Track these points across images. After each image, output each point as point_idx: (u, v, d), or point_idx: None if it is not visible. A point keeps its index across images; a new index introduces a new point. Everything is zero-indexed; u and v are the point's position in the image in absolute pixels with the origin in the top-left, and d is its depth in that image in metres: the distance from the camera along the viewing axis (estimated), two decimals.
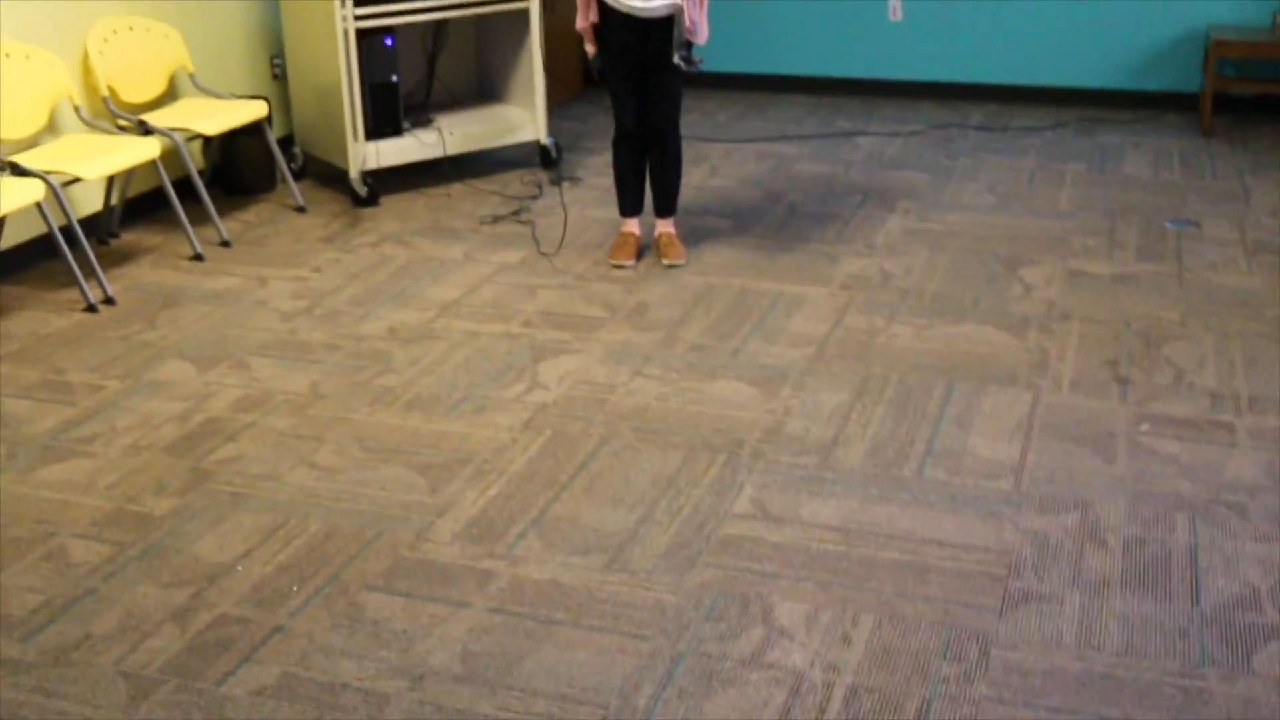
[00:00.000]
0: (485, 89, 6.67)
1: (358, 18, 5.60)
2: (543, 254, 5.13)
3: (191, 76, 5.78)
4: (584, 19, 4.71)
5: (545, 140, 6.22)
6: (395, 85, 5.90)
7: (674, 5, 4.55)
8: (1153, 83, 7.23)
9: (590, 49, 4.81)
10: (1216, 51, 6.63)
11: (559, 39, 6.91)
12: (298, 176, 6.15)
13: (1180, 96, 7.16)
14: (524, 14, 6.03)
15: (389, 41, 5.81)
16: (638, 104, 4.79)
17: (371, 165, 5.81)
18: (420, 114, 6.23)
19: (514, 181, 6.11)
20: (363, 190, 5.78)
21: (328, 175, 6.10)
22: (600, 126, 6.94)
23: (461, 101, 6.56)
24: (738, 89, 7.72)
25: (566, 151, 6.46)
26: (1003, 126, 6.97)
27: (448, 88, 6.53)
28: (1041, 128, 6.92)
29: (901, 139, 6.76)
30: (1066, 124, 6.98)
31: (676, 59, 4.54)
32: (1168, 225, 5.36)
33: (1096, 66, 7.29)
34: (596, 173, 6.16)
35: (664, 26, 4.59)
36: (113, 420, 3.91)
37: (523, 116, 6.26)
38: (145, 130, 5.33)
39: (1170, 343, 4.24)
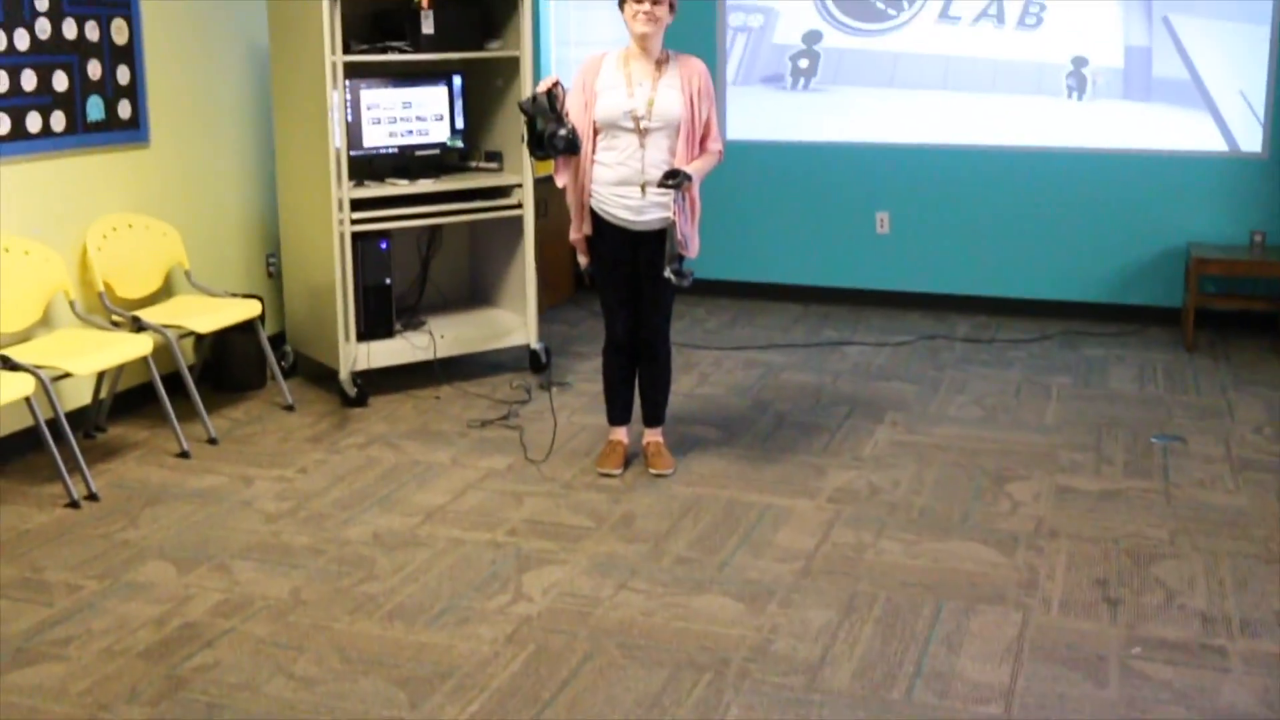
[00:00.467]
0: (477, 292, 6.75)
1: (354, 221, 5.68)
2: (530, 460, 5.11)
3: (187, 273, 5.85)
4: (577, 230, 4.79)
5: (535, 345, 6.27)
6: (389, 288, 5.96)
7: (666, 219, 4.63)
8: (1135, 297, 7.35)
9: (583, 260, 4.88)
10: (1197, 269, 6.76)
11: (551, 242, 7.04)
12: (288, 374, 6.17)
13: (1162, 311, 7.26)
14: (517, 220, 6.14)
15: (384, 245, 5.89)
16: (628, 315, 4.84)
17: (362, 366, 5.84)
18: (412, 316, 6.29)
19: (503, 385, 6.13)
20: (352, 391, 5.79)
21: (318, 374, 6.13)
22: (590, 331, 7.01)
23: (454, 304, 6.63)
24: (727, 296, 7.84)
25: (556, 356, 6.51)
26: (989, 338, 7.04)
27: (440, 290, 6.61)
28: (1027, 340, 6.99)
29: (889, 349, 6.83)
30: (1051, 336, 7.06)
31: (668, 273, 4.59)
32: (1153, 440, 5.38)
33: (1080, 281, 7.42)
34: (586, 378, 6.19)
35: (656, 239, 4.66)
36: (89, 622, 3.84)
37: (513, 321, 6.32)
38: (139, 326, 5.36)
39: (1160, 562, 4.21)
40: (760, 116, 7.74)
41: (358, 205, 5.71)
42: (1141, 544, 4.35)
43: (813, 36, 7.57)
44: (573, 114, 4.62)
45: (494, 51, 6.10)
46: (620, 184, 4.65)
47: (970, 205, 7.54)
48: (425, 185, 5.92)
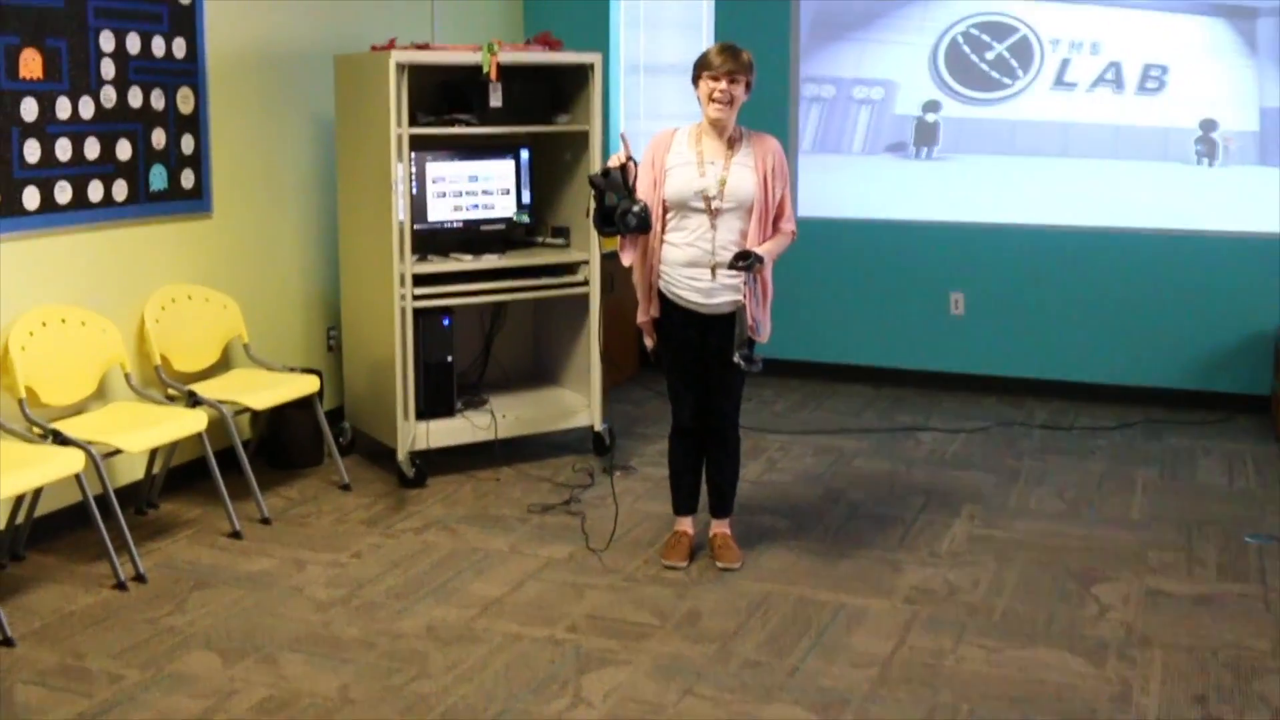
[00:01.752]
0: (541, 370, 6.59)
1: (416, 297, 5.54)
2: (592, 550, 4.91)
3: (245, 346, 5.73)
4: (644, 313, 4.62)
5: (599, 427, 6.08)
6: (450, 365, 5.81)
7: (736, 302, 4.45)
8: (1220, 384, 7.06)
9: (650, 342, 4.70)
10: None
11: (616, 319, 6.85)
12: (345, 451, 6.02)
13: (1250, 399, 6.97)
14: (583, 298, 5.97)
15: (446, 322, 5.75)
16: (696, 400, 4.65)
17: (421, 446, 5.67)
18: (474, 394, 6.13)
19: (565, 468, 5.95)
20: (410, 471, 5.62)
21: (376, 451, 5.97)
22: (655, 412, 6.82)
23: (516, 382, 6.47)
24: (796, 377, 7.62)
25: (620, 437, 6.32)
26: (1068, 425, 6.78)
27: (502, 368, 6.45)
28: (1108, 428, 6.72)
29: (964, 436, 6.58)
30: (1133, 425, 6.79)
31: (737, 358, 4.40)
32: (1247, 540, 5.09)
33: (1162, 367, 7.16)
34: (650, 462, 5.99)
35: (725, 323, 4.48)
36: (128, 716, 3.66)
37: (577, 401, 6.15)
38: (194, 401, 5.23)
39: (1262, 677, 3.93)
40: (887, 184, 7.58)
41: (420, 280, 5.57)
42: (1242, 656, 4.07)
43: (931, 106, 7.39)
44: (640, 191, 4.46)
45: (563, 125, 5.97)
46: (690, 265, 4.48)
47: (1046, 286, 7.31)
48: (490, 261, 5.77)
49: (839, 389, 7.51)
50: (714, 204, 4.45)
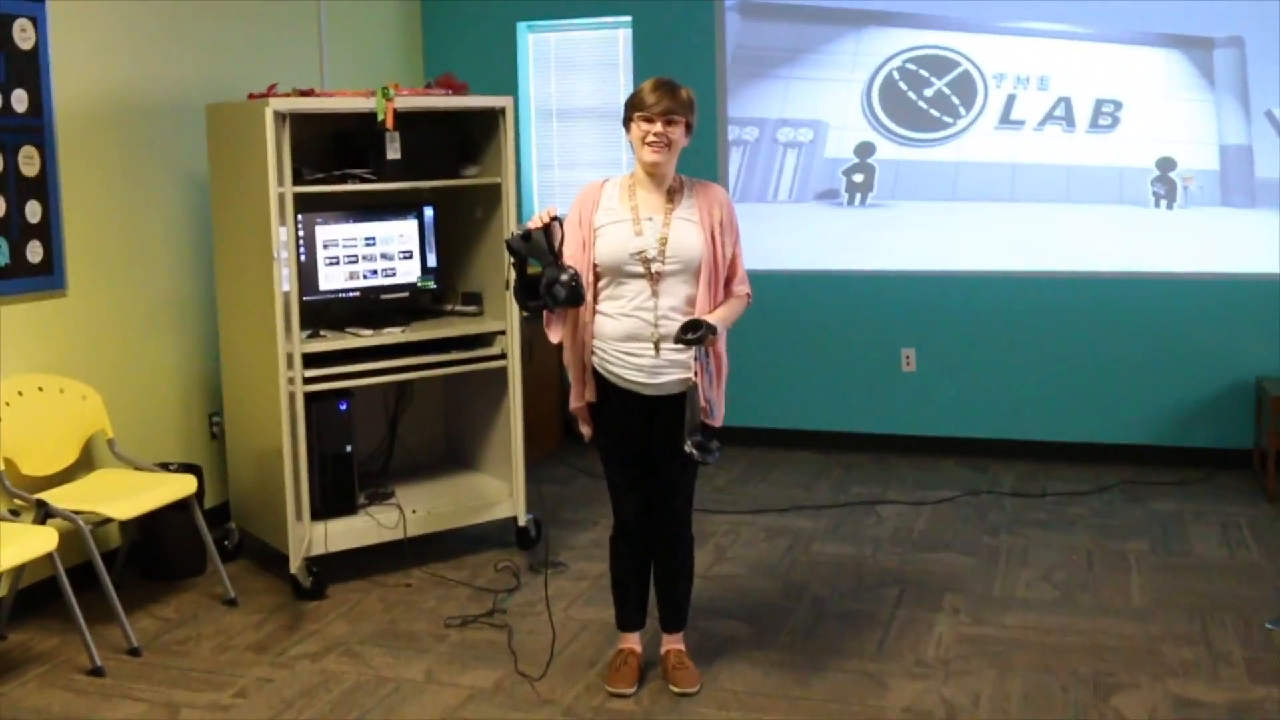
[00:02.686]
0: (454, 454, 5.84)
1: (307, 380, 4.78)
2: (523, 675, 4.17)
3: (110, 442, 4.93)
4: (578, 398, 3.91)
5: (524, 519, 5.34)
6: (349, 456, 5.05)
7: (687, 380, 3.75)
8: (1198, 439, 6.51)
9: (585, 431, 3.99)
10: (1277, 407, 5.90)
11: (534, 387, 6.14)
12: (232, 556, 5.23)
13: (1231, 454, 6.43)
14: (500, 373, 5.24)
15: (343, 406, 4.99)
16: (641, 497, 3.94)
17: (318, 551, 4.89)
18: (378, 485, 5.37)
19: (486, 567, 5.19)
20: (306, 581, 4.84)
21: (268, 555, 5.17)
22: (585, 493, 6.09)
23: (426, 469, 5.71)
24: (737, 445, 6.89)
25: (548, 525, 5.56)
26: (1040, 491, 6.16)
27: (410, 453, 5.70)
28: (1083, 492, 6.12)
29: (929, 509, 5.93)
30: (1110, 488, 6.19)
31: (688, 447, 3.69)
32: (1269, 627, 4.47)
33: (1133, 421, 6.60)
34: (585, 555, 5.27)
35: (673, 406, 3.77)
36: None
37: (497, 489, 5.41)
38: (45, 514, 4.42)
39: None
40: (817, 235, 6.92)
41: (312, 360, 4.81)
42: None
43: (865, 149, 6.76)
44: (568, 255, 3.76)
45: (471, 178, 5.26)
46: (628, 339, 3.78)
47: (1002, 338, 6.72)
48: (392, 335, 5.03)
49: (784, 457, 6.84)
50: (654, 267, 3.76)
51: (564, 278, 3.63)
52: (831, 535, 5.60)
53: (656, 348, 3.78)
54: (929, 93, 6.72)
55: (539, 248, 3.63)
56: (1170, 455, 6.54)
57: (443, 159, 5.17)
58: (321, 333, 4.99)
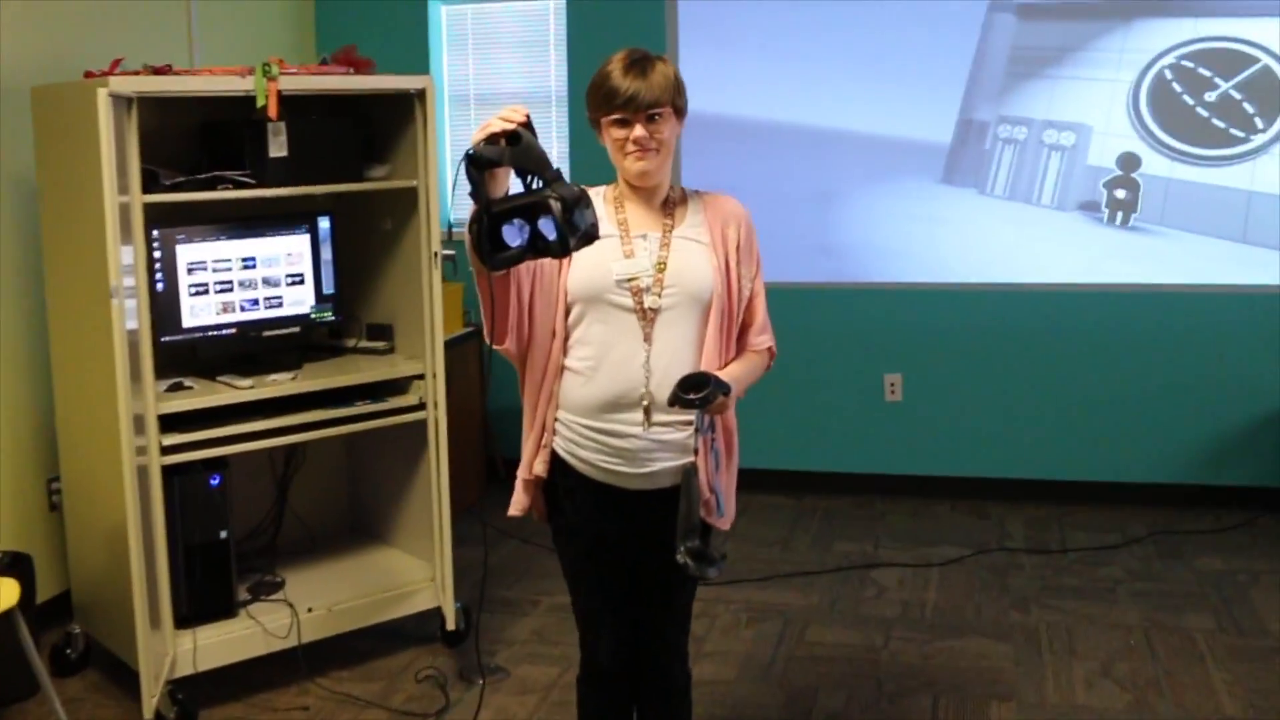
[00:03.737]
0: (361, 525, 4.73)
1: (166, 449, 3.64)
2: None
3: None
4: (526, 468, 2.81)
5: (451, 609, 4.23)
6: (225, 543, 3.90)
7: (686, 465, 2.67)
8: (1233, 476, 5.60)
9: (529, 508, 2.89)
10: None
11: (451, 421, 5.03)
12: (77, 666, 4.07)
13: (1270, 494, 5.51)
14: (418, 426, 4.13)
15: (215, 481, 3.84)
16: (620, 629, 2.85)
17: (185, 671, 3.74)
18: (264, 571, 4.25)
19: (405, 676, 4.09)
20: (170, 712, 3.69)
21: (124, 666, 3.99)
22: (518, 559, 5.00)
23: (326, 544, 4.59)
24: None
25: (476, 608, 4.45)
26: (1060, 545, 5.22)
27: (306, 525, 4.57)
28: (1111, 546, 5.19)
29: (936, 574, 4.94)
30: (1141, 540, 5.25)
31: (681, 556, 2.61)
32: None
33: (1159, 458, 5.68)
34: (528, 654, 4.21)
35: (667, 504, 2.69)
36: None
37: (415, 571, 4.31)
38: None
39: None
40: (1076, 252, 5.74)
41: (172, 422, 3.67)
42: None
43: (1129, 161, 5.60)
44: (526, 281, 2.68)
45: (379, 181, 4.12)
46: (607, 409, 2.72)
47: (1001, 360, 5.73)
48: (279, 384, 3.90)
49: (752, 502, 5.77)
50: (648, 300, 2.69)
51: (574, 201, 2.33)
52: (828, 615, 4.57)
53: (647, 416, 2.70)
54: (1212, 97, 5.50)
55: (530, 154, 2.37)
56: (1201, 495, 5.64)
57: (342, 157, 4.04)
58: (186, 383, 3.85)
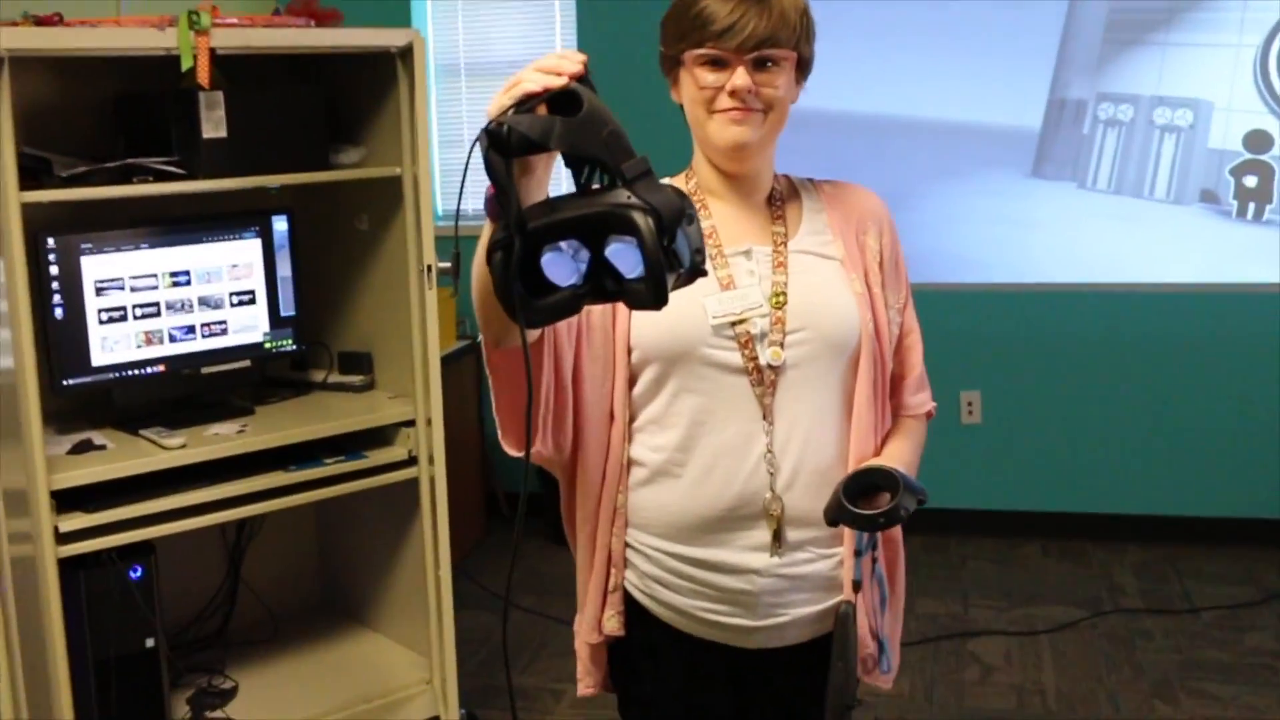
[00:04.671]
0: (334, 601, 3.76)
1: (65, 536, 2.67)
2: None
3: None
4: (593, 628, 1.89)
5: (454, 716, 3.26)
6: (153, 654, 2.93)
7: (841, 606, 1.71)
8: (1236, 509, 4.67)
9: (587, 685, 1.94)
10: None
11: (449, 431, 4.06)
12: None
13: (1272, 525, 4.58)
14: (408, 486, 3.17)
15: (136, 573, 2.86)
16: None
17: None
18: (210, 668, 3.30)
19: None
20: None
21: None
22: (527, 624, 4.04)
23: (290, 629, 3.61)
24: None
25: (490, 699, 3.50)
26: (1187, 603, 4.33)
27: (264, 601, 3.58)
28: (1250, 604, 4.31)
29: (1046, 644, 4.07)
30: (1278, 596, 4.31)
31: None
32: None
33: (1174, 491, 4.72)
34: None
35: (797, 667, 1.80)
36: None
37: (403, 665, 3.37)
38: None
39: None
40: (1198, 252, 4.77)
41: (75, 498, 2.70)
42: None
43: (1259, 140, 4.62)
44: (560, 343, 1.74)
45: (351, 169, 3.14)
46: (710, 528, 1.81)
47: (1101, 376, 4.81)
48: (221, 440, 2.93)
49: None
50: (765, 353, 1.77)
51: (678, 201, 1.35)
52: (925, 704, 3.63)
53: (776, 539, 1.75)
54: None
55: (594, 128, 1.36)
56: (1206, 531, 4.78)
57: (301, 138, 3.06)
58: (96, 442, 2.87)
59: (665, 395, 1.78)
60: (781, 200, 1.87)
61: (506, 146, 1.34)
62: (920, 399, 1.94)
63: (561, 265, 1.37)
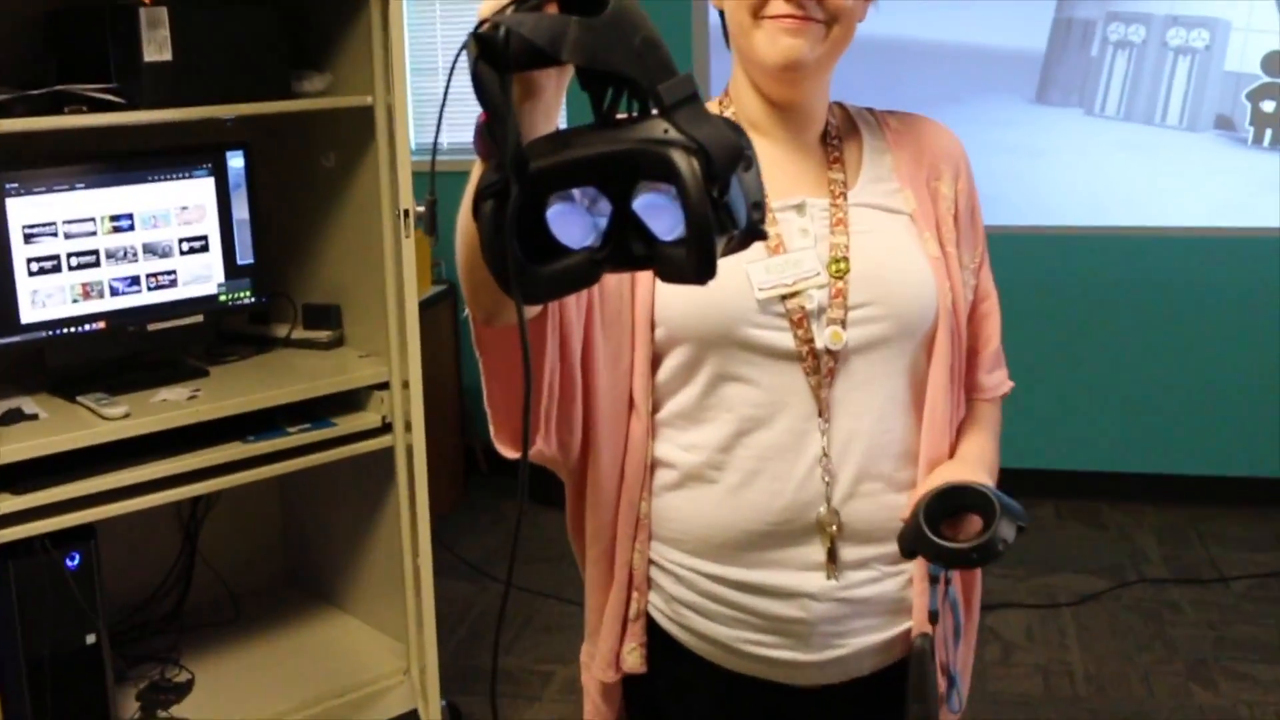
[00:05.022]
0: (300, 579, 3.43)
1: None
2: None
3: None
4: (608, 664, 1.56)
5: (435, 708, 2.95)
6: (95, 650, 2.59)
7: (917, 640, 1.39)
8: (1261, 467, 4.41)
9: None
10: None
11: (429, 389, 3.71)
12: None
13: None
14: (382, 455, 2.83)
15: (73, 561, 2.52)
16: None
17: None
18: (164, 657, 2.97)
19: None
20: None
21: None
22: (521, 606, 3.73)
23: (252, 611, 3.27)
24: None
25: (479, 685, 3.20)
26: (1215, 572, 4.03)
27: (223, 581, 3.26)
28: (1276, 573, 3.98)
29: (1070, 617, 3.79)
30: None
31: None
32: None
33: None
34: None
35: (857, 705, 1.49)
36: None
37: (378, 652, 3.06)
38: None
39: None
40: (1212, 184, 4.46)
41: (2, 477, 2.35)
42: None
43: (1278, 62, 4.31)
44: (570, 325, 1.37)
45: (316, 98, 2.77)
46: (755, 544, 1.46)
47: (1114, 326, 4.53)
48: (171, 407, 2.58)
49: None
50: (822, 334, 1.43)
51: (733, 138, 0.97)
52: None
53: (832, 558, 1.42)
54: None
55: (623, 32, 0.96)
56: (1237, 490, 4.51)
57: (259, 61, 2.69)
58: (27, 411, 2.52)
59: (698, 384, 1.44)
60: (838, 138, 1.52)
61: (503, 56, 0.97)
62: (997, 378, 1.62)
63: (574, 220, 1.00)
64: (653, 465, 1.47)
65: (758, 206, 0.99)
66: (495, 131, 0.97)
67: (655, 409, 1.47)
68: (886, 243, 1.47)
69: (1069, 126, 4.52)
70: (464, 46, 0.97)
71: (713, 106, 1.51)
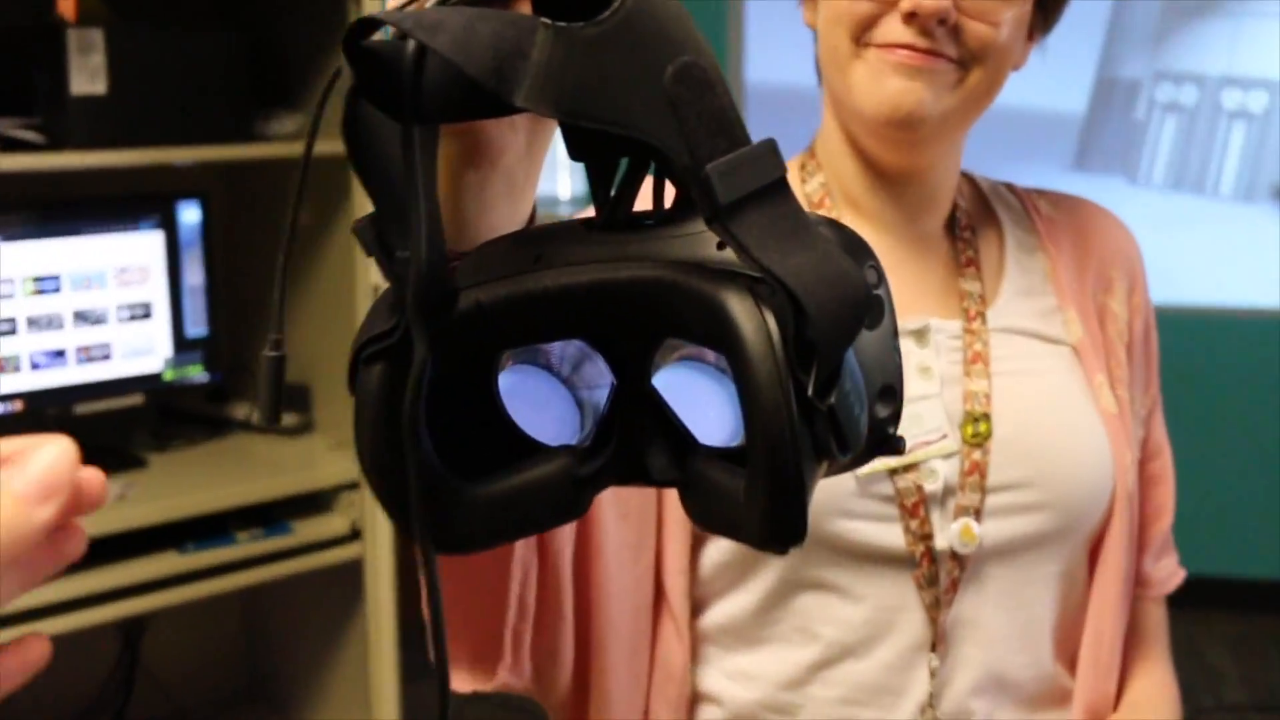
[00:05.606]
0: (258, 688, 2.96)
1: None
2: None
3: None
4: None
5: None
6: None
7: None
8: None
9: None
10: None
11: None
12: None
13: None
14: (349, 567, 2.38)
15: None
16: None
17: None
18: None
19: None
20: None
21: None
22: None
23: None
24: None
25: None
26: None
27: (166, 694, 2.81)
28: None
29: None
30: None
31: None
32: None
33: None
34: None
35: None
36: None
37: None
38: None
39: None
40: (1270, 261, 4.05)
41: None
42: None
43: None
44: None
45: (283, 142, 2.34)
46: None
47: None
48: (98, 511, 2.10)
49: None
50: (945, 532, 0.96)
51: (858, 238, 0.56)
52: None
53: None
54: None
55: (637, 62, 0.51)
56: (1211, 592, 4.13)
57: (219, 97, 2.26)
58: None
59: (757, 588, 0.99)
60: (970, 229, 1.08)
61: (410, 92, 0.53)
62: (1167, 568, 1.17)
63: (543, 399, 0.58)
64: (692, 699, 1.02)
65: (888, 395, 0.54)
66: (389, 231, 0.54)
67: (694, 610, 1.02)
68: (1045, 390, 1.02)
69: (1110, 198, 4.08)
70: (336, 73, 0.53)
71: (792, 167, 1.07)
